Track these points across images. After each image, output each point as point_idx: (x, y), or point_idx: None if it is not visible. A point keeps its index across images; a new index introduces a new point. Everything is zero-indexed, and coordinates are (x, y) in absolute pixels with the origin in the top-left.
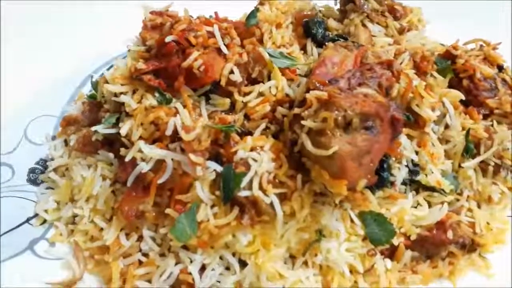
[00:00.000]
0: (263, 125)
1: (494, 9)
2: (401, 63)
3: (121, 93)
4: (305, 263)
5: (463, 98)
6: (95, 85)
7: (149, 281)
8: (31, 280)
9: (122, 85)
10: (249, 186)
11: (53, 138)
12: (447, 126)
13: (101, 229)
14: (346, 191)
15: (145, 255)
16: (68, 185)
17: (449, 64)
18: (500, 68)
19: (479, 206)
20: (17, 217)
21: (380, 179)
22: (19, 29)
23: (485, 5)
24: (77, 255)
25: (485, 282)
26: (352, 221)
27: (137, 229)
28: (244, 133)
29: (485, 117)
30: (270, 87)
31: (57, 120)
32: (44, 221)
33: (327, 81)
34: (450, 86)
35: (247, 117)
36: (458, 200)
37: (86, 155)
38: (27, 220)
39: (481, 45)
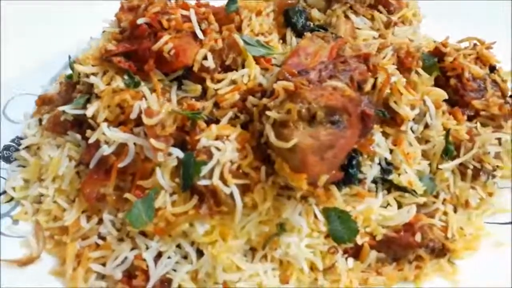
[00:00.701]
0: (230, 114)
1: (495, 9)
2: (383, 58)
3: (92, 74)
4: (265, 256)
5: (446, 97)
6: (72, 65)
7: (104, 264)
8: None
9: (93, 66)
10: (210, 175)
11: (32, 116)
12: (427, 126)
13: (64, 209)
14: (306, 185)
15: (104, 238)
16: (37, 164)
17: (436, 61)
18: (492, 69)
19: (455, 210)
20: None
21: (348, 176)
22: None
23: (485, 5)
24: (37, 234)
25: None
26: (316, 217)
27: (99, 212)
28: (212, 121)
29: (471, 118)
30: (242, 75)
31: None
32: (12, 198)
33: (297, 72)
34: (437, 84)
35: (217, 105)
36: (434, 202)
37: (56, 135)
38: None
39: (474, 44)
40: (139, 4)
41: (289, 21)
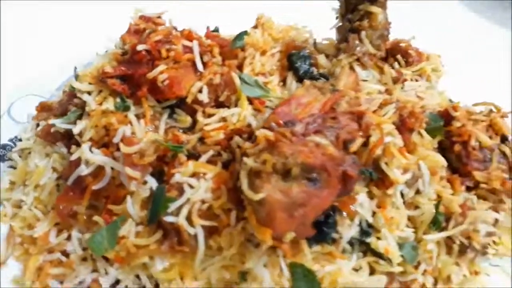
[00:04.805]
0: (211, 152)
1: None
2: (384, 115)
3: (87, 91)
4: None
5: (445, 165)
6: (77, 77)
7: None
8: None
9: (90, 83)
10: (177, 213)
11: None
12: (418, 191)
13: (39, 219)
14: (270, 241)
15: (68, 255)
16: (24, 168)
17: (442, 125)
18: (504, 139)
19: (435, 284)
20: None
21: (321, 234)
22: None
23: None
24: (8, 240)
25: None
26: (281, 270)
27: (70, 227)
28: (194, 155)
29: (471, 189)
30: (233, 114)
31: None
32: None
33: (283, 122)
34: (441, 147)
35: (202, 140)
36: (412, 272)
37: (47, 143)
38: None
39: (490, 110)
40: (146, 28)
41: (292, 65)
